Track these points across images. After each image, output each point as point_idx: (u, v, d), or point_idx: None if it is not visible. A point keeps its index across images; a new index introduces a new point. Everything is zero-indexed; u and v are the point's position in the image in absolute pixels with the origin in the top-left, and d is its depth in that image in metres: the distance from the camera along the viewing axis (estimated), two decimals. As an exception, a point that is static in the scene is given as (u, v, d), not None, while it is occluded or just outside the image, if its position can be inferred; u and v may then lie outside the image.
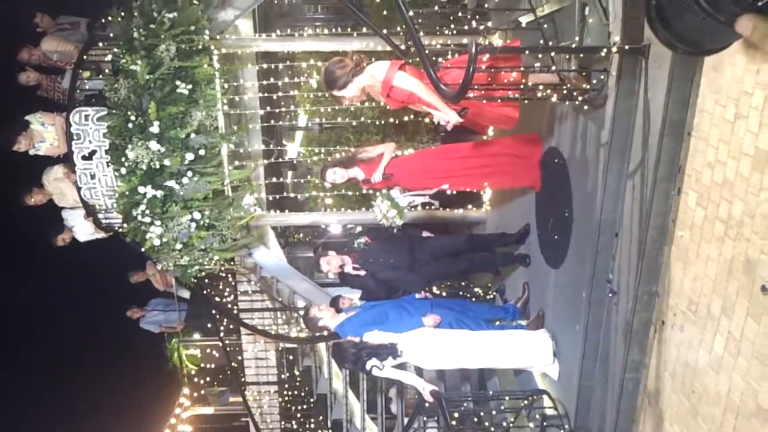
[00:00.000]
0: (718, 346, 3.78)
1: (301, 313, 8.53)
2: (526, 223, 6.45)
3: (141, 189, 6.67)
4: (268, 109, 7.95)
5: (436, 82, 4.37)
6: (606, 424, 4.94)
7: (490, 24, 6.31)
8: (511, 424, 5.59)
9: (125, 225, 7.13)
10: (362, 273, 6.26)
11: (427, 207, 7.18)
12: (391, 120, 7.81)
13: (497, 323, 6.25)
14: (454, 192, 7.64)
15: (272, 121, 8.02)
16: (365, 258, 6.29)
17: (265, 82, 7.61)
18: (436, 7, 7.31)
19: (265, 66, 7.75)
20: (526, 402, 5.58)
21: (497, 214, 7.74)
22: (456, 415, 5.59)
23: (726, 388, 3.71)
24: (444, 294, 7.42)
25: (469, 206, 8.12)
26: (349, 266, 6.26)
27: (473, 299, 7.24)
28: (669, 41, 3.31)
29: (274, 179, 8.47)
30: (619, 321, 4.65)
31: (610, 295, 4.73)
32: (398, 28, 6.52)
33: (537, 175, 5.95)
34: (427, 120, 8.11)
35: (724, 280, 3.71)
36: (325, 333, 7.00)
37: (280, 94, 7.64)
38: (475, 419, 5.64)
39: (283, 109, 8.19)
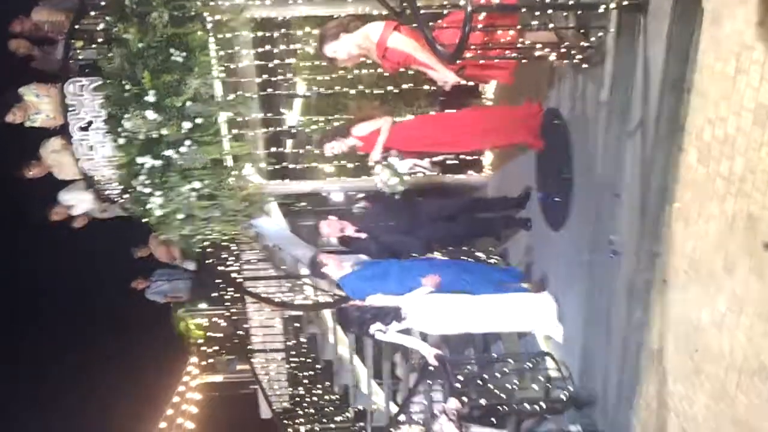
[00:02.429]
0: (720, 305, 3.74)
1: (305, 279, 8.59)
2: (526, 185, 6.39)
3: (139, 159, 6.64)
4: (265, 77, 7.84)
5: (432, 43, 4.29)
6: (609, 384, 4.95)
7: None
8: (515, 387, 5.61)
9: (125, 196, 7.12)
10: (363, 236, 6.23)
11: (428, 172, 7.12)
12: (389, 88, 7.71)
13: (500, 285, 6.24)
14: (455, 157, 7.62)
15: (269, 90, 7.92)
16: (366, 221, 6.27)
17: (260, 50, 7.50)
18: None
19: (260, 34, 7.62)
20: (530, 364, 5.59)
21: (498, 178, 7.69)
22: (460, 378, 5.61)
23: (729, 347, 3.69)
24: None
25: (470, 171, 8.05)
26: (350, 229, 6.24)
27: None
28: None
29: (274, 148, 8.41)
30: (621, 281, 4.63)
31: (612, 255, 4.70)
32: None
33: (537, 134, 5.88)
34: (425, 87, 8.01)
35: (726, 238, 3.66)
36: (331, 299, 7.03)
37: (276, 62, 7.54)
38: (480, 382, 5.65)
39: (281, 78, 8.07)
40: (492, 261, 7.01)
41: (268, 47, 7.55)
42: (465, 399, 5.33)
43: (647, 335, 4.55)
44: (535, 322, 5.72)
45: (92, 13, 7.00)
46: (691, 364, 4.07)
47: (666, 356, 4.35)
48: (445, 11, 4.77)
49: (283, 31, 7.64)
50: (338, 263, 5.95)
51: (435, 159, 6.43)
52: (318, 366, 9.82)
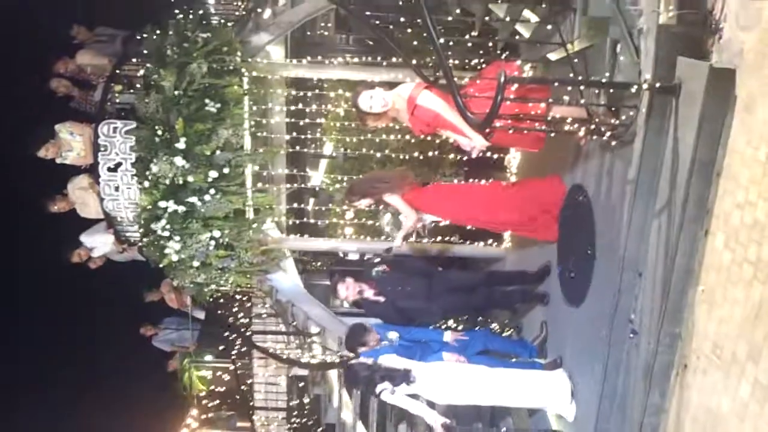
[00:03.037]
0: (743, 393, 3.64)
1: (315, 338, 8.50)
2: (546, 260, 6.37)
3: (163, 203, 6.73)
4: (294, 134, 8.01)
5: (462, 110, 4.36)
6: (621, 470, 4.78)
7: (520, 57, 6.35)
8: (522, 465, 5.44)
9: (144, 239, 7.17)
10: (381, 299, 6.19)
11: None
12: (415, 154, 7.82)
13: (513, 360, 6.15)
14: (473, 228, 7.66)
15: (297, 147, 8.07)
16: (384, 285, 6.24)
17: (293, 108, 7.69)
18: (467, 36, 7.36)
19: (294, 92, 7.83)
20: (538, 443, 5.44)
21: (517, 251, 7.66)
22: (466, 450, 5.46)
23: (750, 438, 3.57)
24: (460, 328, 7.32)
25: (489, 241, 8.06)
26: (369, 292, 6.20)
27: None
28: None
29: (296, 204, 8.50)
30: (639, 363, 4.52)
31: (631, 335, 4.62)
32: (426, 59, 6.58)
33: (555, 230, 5.97)
34: (450, 156, 8.13)
35: (750, 324, 3.60)
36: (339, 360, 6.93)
37: (307, 120, 7.72)
38: (486, 457, 5.50)
39: (309, 136, 8.24)
40: (506, 334, 6.92)
41: (300, 106, 7.73)
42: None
43: (664, 421, 4.41)
44: (547, 399, 5.59)
45: (134, 60, 7.26)
46: (709, 454, 3.94)
47: (682, 443, 4.22)
48: (478, 81, 4.86)
49: (316, 91, 7.84)
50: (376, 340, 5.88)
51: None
52: (320, 429, 9.61)
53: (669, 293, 4.22)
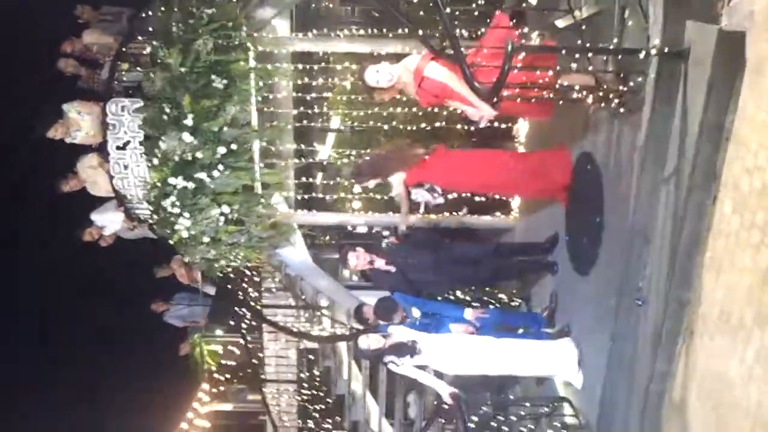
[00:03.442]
0: (749, 357, 3.68)
1: (324, 311, 8.57)
2: (554, 231, 6.39)
3: (172, 180, 6.76)
4: (302, 109, 8.00)
5: (470, 80, 4.36)
6: (629, 434, 4.85)
7: (527, 25, 6.30)
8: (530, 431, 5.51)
9: (154, 216, 7.22)
10: (392, 269, 6.23)
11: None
12: (423, 125, 7.80)
13: (521, 331, 6.19)
14: (484, 199, 7.66)
15: (305, 122, 8.07)
16: (393, 257, 6.28)
17: (299, 82, 7.67)
18: (474, 5, 7.31)
19: (300, 66, 7.80)
20: (546, 409, 5.50)
21: (526, 221, 7.68)
22: (475, 419, 5.52)
23: (756, 400, 3.61)
24: (469, 299, 7.37)
25: (498, 213, 8.07)
26: (380, 262, 6.23)
27: (498, 305, 7.19)
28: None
29: (304, 179, 8.52)
30: (647, 329, 4.56)
31: (639, 302, 4.65)
32: (433, 28, 6.53)
33: (565, 184, 5.94)
34: (458, 126, 8.10)
35: (758, 290, 3.62)
36: (348, 332, 6.99)
37: (314, 95, 7.69)
38: (494, 424, 5.56)
39: (316, 110, 8.23)
40: (514, 304, 6.97)
41: (306, 80, 7.72)
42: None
43: (670, 385, 4.46)
44: (555, 367, 5.64)
45: (140, 38, 7.25)
46: (715, 417, 3.98)
47: (689, 408, 4.26)
48: (485, 50, 4.84)
49: (322, 64, 7.81)
50: (378, 338, 5.84)
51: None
52: (329, 400, 9.70)
53: (677, 260, 4.24)
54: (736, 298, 3.82)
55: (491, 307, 6.99)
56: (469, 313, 6.08)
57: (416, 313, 5.96)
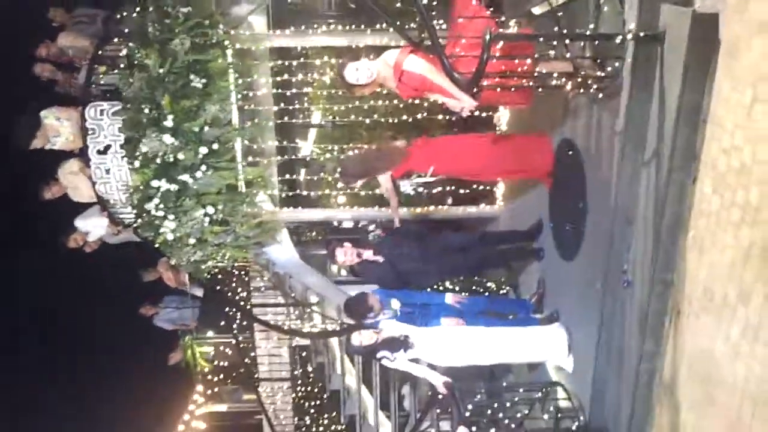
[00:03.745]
0: (734, 334, 3.73)
1: (315, 308, 8.58)
2: (538, 218, 6.43)
3: (155, 183, 6.73)
4: (282, 105, 7.98)
5: (449, 70, 4.37)
6: (621, 415, 4.90)
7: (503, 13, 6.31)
8: (525, 417, 5.56)
9: (139, 220, 7.18)
10: (380, 260, 6.25)
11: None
12: (404, 117, 7.80)
13: (510, 317, 6.24)
14: (468, 189, 7.70)
15: (286, 118, 8.05)
16: (381, 248, 6.30)
17: (278, 79, 7.65)
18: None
19: (279, 62, 7.77)
20: (540, 394, 5.55)
21: (510, 210, 7.72)
22: (470, 407, 5.57)
23: (743, 376, 3.66)
24: (458, 289, 7.40)
25: (482, 203, 8.10)
26: (368, 253, 6.24)
27: (486, 293, 7.23)
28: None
29: (288, 176, 8.50)
30: (634, 311, 4.62)
31: (624, 285, 4.70)
32: (410, 19, 6.55)
33: (548, 169, 5.98)
34: (440, 117, 8.12)
35: (740, 267, 3.67)
36: (339, 327, 7.00)
37: (294, 90, 7.68)
38: (489, 411, 5.61)
39: (297, 106, 8.21)
40: (503, 292, 7.01)
41: (285, 76, 7.69)
42: (474, 428, 5.29)
43: (659, 365, 4.52)
44: (546, 353, 5.70)
45: (116, 40, 7.20)
46: (704, 393, 4.04)
47: (678, 386, 4.32)
48: (463, 40, 4.85)
49: (301, 60, 7.79)
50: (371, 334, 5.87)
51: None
52: (324, 396, 9.74)
53: (660, 241, 4.28)
54: (719, 276, 3.87)
55: (480, 296, 7.03)
56: (449, 298, 6.14)
57: (396, 304, 5.98)
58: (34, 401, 15.38)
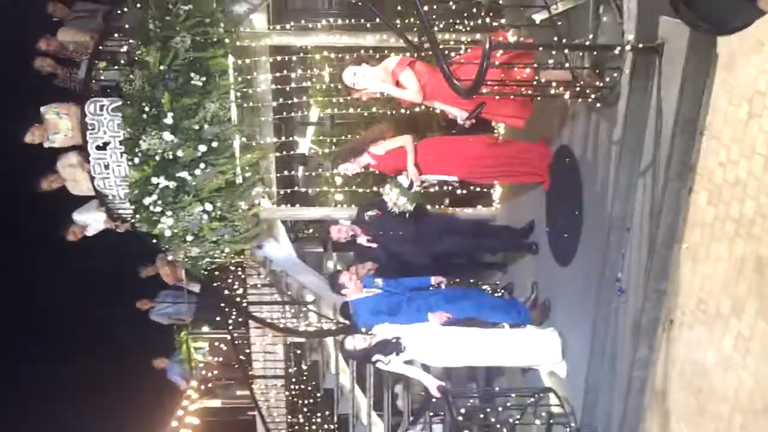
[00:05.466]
0: (727, 345, 3.78)
1: (310, 306, 8.61)
2: (531, 219, 6.48)
3: (154, 179, 6.73)
4: (281, 101, 7.99)
5: (449, 77, 4.39)
6: (613, 422, 4.94)
7: (503, 21, 6.32)
8: (517, 422, 5.59)
9: (137, 216, 7.19)
10: (374, 246, 6.26)
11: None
12: (403, 111, 7.82)
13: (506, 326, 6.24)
14: (465, 191, 7.72)
15: (284, 113, 8.06)
16: (376, 229, 6.31)
17: (278, 75, 7.65)
18: (451, 2, 7.32)
19: (278, 59, 7.78)
20: (532, 399, 5.58)
21: (506, 213, 7.74)
22: (462, 411, 5.59)
23: (734, 387, 3.71)
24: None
25: (479, 205, 8.13)
26: (363, 238, 6.24)
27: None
28: (692, 21, 3.30)
29: (285, 173, 8.52)
30: (627, 319, 4.65)
31: (618, 293, 4.73)
32: (411, 21, 6.55)
33: (545, 173, 6.01)
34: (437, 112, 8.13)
35: (734, 280, 3.71)
36: (335, 327, 7.02)
37: (293, 85, 7.68)
38: (482, 416, 5.64)
39: (295, 100, 8.22)
40: (497, 295, 7.03)
41: (284, 72, 7.70)
42: (466, 432, 5.33)
43: (651, 373, 4.56)
44: (539, 357, 5.73)
45: (116, 36, 7.18)
46: (695, 403, 4.08)
47: (670, 395, 4.36)
48: (463, 48, 4.87)
49: (300, 56, 7.79)
50: (358, 289, 5.95)
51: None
52: (318, 394, 9.77)
53: (655, 251, 4.32)
54: (713, 287, 3.91)
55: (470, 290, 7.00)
56: (434, 279, 6.17)
57: (379, 281, 6.03)
58: (26, 391, 15.37)
